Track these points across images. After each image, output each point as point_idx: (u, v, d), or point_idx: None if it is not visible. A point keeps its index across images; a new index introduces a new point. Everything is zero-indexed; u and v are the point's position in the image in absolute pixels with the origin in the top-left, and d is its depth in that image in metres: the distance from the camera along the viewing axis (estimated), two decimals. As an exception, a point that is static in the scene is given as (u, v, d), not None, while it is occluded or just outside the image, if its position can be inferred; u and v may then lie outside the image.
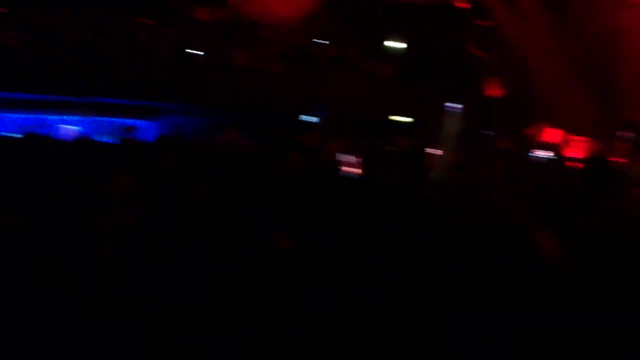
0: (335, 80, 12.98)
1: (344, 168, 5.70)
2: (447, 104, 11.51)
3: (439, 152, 9.62)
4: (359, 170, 5.51)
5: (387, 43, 13.80)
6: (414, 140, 9.60)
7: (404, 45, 13.65)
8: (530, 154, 11.00)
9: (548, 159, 10.69)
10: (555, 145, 12.12)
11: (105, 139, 9.25)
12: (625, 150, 10.39)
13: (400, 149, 8.80)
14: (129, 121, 11.57)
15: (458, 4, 14.24)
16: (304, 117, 11.31)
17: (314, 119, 11.25)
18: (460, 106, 11.31)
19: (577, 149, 11.76)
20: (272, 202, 4.72)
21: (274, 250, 4.13)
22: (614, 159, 8.91)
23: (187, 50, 12.82)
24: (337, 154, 5.76)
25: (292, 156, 6.08)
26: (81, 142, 6.15)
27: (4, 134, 9.43)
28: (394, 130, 11.68)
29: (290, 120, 11.08)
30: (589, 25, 13.06)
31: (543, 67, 13.32)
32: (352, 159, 5.88)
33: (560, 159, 10.61)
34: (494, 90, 13.81)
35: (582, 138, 12.24)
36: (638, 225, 4.39)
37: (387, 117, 12.56)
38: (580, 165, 8.46)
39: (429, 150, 8.65)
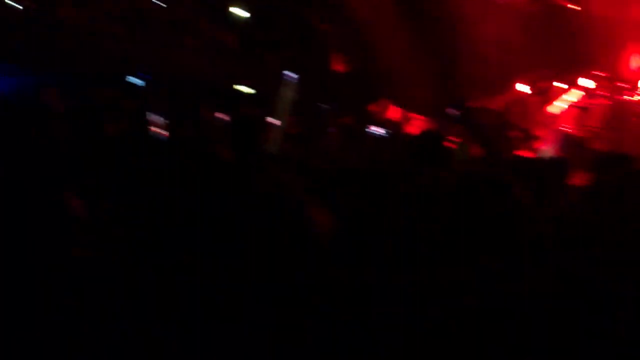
0: (170, 44, 12.42)
1: (152, 128, 5.36)
2: (285, 72, 11.30)
3: (274, 122, 9.39)
4: (165, 132, 5.18)
5: (229, 9, 13.36)
6: (248, 109, 9.33)
7: (246, 14, 13.26)
8: (367, 129, 11.00)
9: (383, 135, 10.74)
10: (395, 122, 12.24)
11: None
12: (455, 128, 10.60)
13: (232, 117, 8.49)
14: None
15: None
16: (131, 80, 10.75)
17: (141, 82, 10.71)
18: (296, 76, 11.13)
19: (416, 126, 11.94)
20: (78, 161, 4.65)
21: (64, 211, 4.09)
22: (446, 136, 9.00)
23: (5, 1, 11.73)
24: (147, 114, 5.37)
25: (109, 117, 5.81)
26: None
27: None
28: (229, 97, 11.33)
29: (116, 83, 10.44)
30: (432, 4, 13.26)
31: (386, 44, 13.40)
32: (160, 119, 5.52)
33: (394, 136, 10.70)
34: (337, 64, 13.75)
35: (422, 116, 12.47)
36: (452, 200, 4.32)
37: (224, 84, 12.19)
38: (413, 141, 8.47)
39: (262, 119, 8.37)
